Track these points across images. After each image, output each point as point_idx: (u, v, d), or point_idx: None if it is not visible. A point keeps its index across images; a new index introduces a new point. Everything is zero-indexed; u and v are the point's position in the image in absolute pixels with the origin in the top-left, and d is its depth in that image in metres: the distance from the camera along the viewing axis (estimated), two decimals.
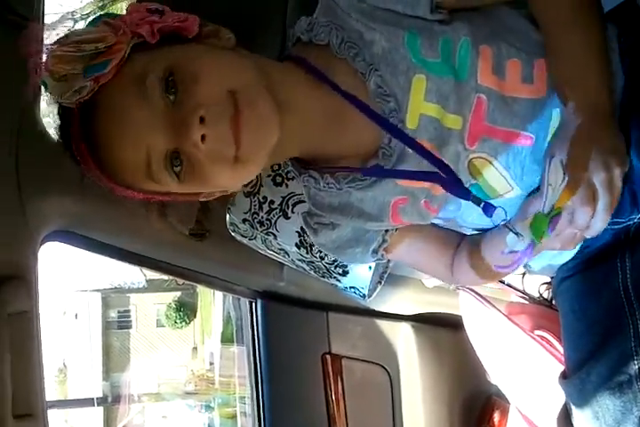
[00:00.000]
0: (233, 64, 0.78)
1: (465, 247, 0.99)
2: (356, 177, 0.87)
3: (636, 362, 0.83)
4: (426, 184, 0.86)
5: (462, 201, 0.87)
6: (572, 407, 0.93)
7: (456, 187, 0.84)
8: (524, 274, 1.34)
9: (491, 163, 0.84)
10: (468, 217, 0.92)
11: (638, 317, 0.85)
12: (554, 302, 1.36)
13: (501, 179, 0.85)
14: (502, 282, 1.41)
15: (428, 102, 0.81)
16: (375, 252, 0.99)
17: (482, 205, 0.83)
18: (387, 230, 0.98)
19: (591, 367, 0.88)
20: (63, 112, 0.78)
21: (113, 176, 0.80)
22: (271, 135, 0.77)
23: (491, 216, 0.83)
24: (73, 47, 0.73)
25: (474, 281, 1.06)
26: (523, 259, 0.82)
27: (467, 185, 0.85)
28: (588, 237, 0.78)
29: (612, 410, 0.85)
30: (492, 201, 0.87)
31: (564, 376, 0.96)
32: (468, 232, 1.00)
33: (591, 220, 0.75)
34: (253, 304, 1.78)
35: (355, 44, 0.82)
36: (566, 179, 0.74)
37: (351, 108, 0.83)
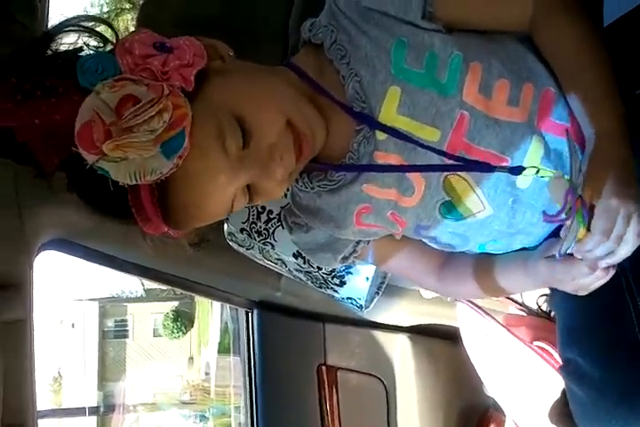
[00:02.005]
0: (276, 92, 0.79)
1: (468, 262, 0.97)
2: (326, 176, 0.87)
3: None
4: (392, 196, 0.86)
5: (437, 215, 0.86)
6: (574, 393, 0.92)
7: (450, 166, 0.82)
8: None
9: (466, 180, 0.83)
10: (442, 234, 0.90)
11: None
12: (552, 313, 1.35)
13: (475, 197, 0.83)
14: None
15: (399, 115, 0.80)
16: (345, 259, 1.00)
17: (508, 168, 0.81)
18: (358, 242, 0.97)
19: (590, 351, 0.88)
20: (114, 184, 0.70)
21: (176, 226, 0.78)
22: (319, 147, 0.82)
23: (519, 174, 0.81)
24: (140, 132, 0.67)
25: (475, 295, 1.04)
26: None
27: (439, 202, 0.85)
28: (611, 262, 0.75)
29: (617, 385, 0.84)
30: (464, 221, 0.86)
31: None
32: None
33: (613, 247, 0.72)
34: (250, 314, 1.77)
35: (343, 47, 0.82)
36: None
37: (336, 109, 0.83)
